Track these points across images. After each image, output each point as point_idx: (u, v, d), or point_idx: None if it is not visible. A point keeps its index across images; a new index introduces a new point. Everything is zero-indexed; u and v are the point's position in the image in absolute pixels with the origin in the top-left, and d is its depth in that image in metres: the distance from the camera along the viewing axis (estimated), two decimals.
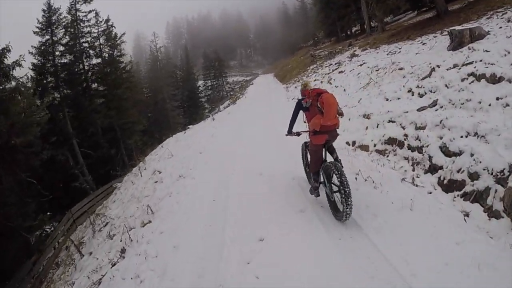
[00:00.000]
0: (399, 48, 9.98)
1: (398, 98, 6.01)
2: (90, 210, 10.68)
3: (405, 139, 4.92)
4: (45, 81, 15.08)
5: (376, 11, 17.37)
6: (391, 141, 5.21)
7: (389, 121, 5.57)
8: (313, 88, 3.70)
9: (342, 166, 3.34)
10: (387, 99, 6.29)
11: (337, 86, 10.07)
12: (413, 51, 8.41)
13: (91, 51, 17.70)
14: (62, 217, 10.75)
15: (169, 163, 7.67)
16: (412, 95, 5.72)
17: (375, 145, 5.52)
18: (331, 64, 15.14)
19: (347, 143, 6.15)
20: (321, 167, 3.63)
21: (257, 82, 36.49)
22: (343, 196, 3.12)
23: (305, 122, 3.86)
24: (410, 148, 4.74)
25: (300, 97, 3.89)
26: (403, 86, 6.17)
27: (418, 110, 5.12)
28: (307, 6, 55.12)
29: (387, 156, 5.10)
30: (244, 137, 8.80)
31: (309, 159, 4.05)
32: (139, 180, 7.95)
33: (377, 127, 5.80)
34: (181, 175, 6.36)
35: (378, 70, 8.68)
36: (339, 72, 11.58)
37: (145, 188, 6.88)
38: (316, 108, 3.44)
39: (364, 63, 10.58)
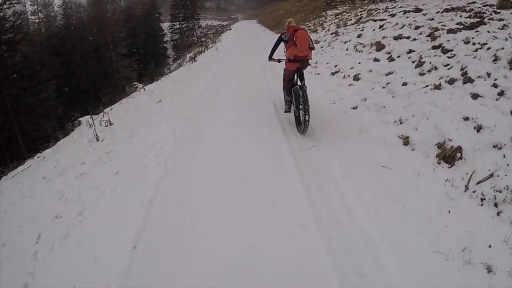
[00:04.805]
0: None
1: None
2: None
3: None
4: None
5: None
6: None
7: None
8: (292, 25, 4.16)
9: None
10: None
11: None
12: None
13: None
14: None
15: None
16: None
17: None
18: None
19: None
20: (292, 88, 4.18)
21: (237, 27, 27.39)
22: (304, 112, 3.65)
23: (284, 52, 4.25)
24: None
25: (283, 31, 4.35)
26: None
27: None
28: None
29: None
30: None
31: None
32: None
33: None
34: None
35: None
36: None
37: None
38: (292, 41, 3.95)
39: None
